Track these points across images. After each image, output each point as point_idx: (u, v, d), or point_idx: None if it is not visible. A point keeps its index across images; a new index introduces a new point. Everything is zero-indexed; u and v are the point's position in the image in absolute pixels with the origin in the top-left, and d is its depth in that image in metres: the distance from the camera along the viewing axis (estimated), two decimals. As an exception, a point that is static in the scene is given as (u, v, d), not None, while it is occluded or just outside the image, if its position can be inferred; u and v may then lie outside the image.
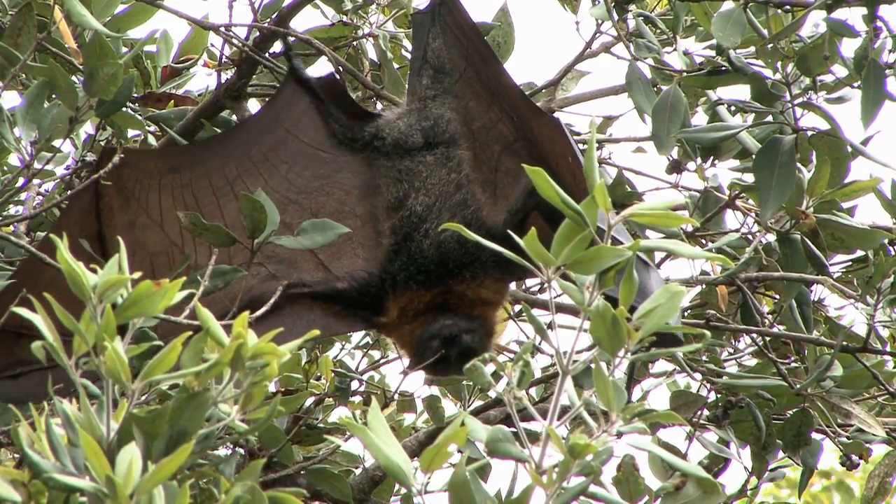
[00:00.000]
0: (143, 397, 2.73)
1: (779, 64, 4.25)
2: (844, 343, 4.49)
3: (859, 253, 4.58)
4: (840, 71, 4.24)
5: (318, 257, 4.29)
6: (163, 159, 4.28)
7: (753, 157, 4.32)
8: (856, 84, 4.18)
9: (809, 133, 4.34)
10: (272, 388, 4.83)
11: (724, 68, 4.29)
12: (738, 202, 4.56)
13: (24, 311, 2.63)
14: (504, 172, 4.26)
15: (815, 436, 4.80)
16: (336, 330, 4.46)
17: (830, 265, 4.56)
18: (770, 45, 4.18)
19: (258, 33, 4.58)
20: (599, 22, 4.61)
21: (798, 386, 4.60)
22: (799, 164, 4.34)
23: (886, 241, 4.54)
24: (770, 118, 4.31)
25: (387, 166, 4.28)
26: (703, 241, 4.66)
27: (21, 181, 4.39)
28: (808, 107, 4.27)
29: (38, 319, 2.58)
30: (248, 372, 2.61)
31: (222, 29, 4.62)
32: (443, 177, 4.27)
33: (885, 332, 4.61)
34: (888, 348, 4.59)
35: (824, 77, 4.29)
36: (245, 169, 4.26)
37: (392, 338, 4.56)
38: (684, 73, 4.37)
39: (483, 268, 4.23)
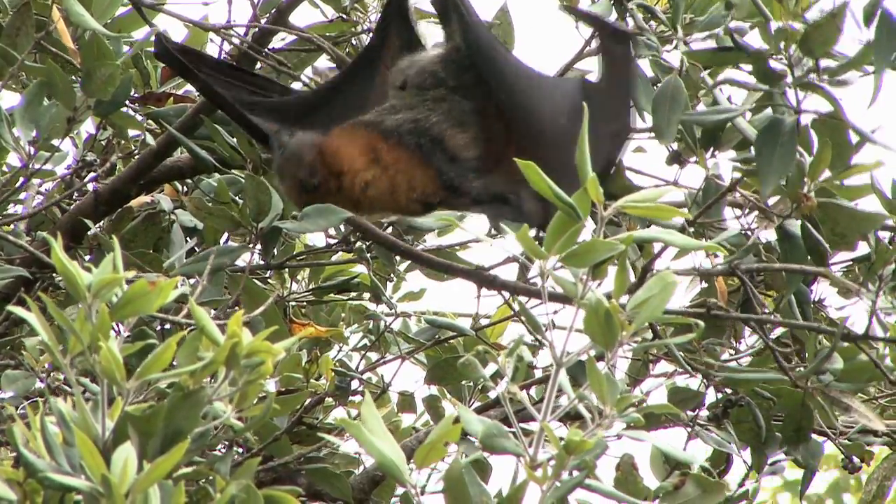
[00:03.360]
0: (143, 396, 2.73)
1: (782, 45, 4.25)
2: (845, 331, 4.47)
3: (859, 252, 4.57)
4: (846, 48, 4.26)
5: None
6: None
7: (754, 140, 4.31)
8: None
9: (812, 116, 4.34)
10: (272, 387, 4.83)
11: (727, 46, 4.30)
12: (739, 188, 4.55)
13: (19, 310, 2.63)
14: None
15: (818, 438, 4.79)
16: None
17: (832, 265, 4.55)
18: (774, 26, 4.20)
19: (256, 29, 4.58)
20: (599, 19, 4.60)
21: (797, 376, 4.58)
22: (800, 149, 4.33)
23: (887, 236, 4.52)
24: (772, 99, 4.31)
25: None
26: (703, 233, 4.65)
27: (20, 180, 4.40)
28: (810, 87, 4.27)
29: (33, 318, 2.57)
30: (243, 370, 2.61)
31: (221, 30, 4.63)
32: (422, 110, 4.27)
33: (887, 321, 4.58)
34: (888, 335, 4.56)
35: (828, 63, 4.29)
36: None
37: None
38: (688, 48, 4.37)
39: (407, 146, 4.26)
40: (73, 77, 4.49)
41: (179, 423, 2.61)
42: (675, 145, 4.54)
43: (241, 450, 4.77)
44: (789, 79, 4.27)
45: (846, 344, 4.51)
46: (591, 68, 4.99)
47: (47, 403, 2.70)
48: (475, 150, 4.22)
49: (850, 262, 4.66)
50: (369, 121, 4.25)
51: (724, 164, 4.57)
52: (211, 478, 2.72)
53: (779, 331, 4.76)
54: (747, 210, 4.53)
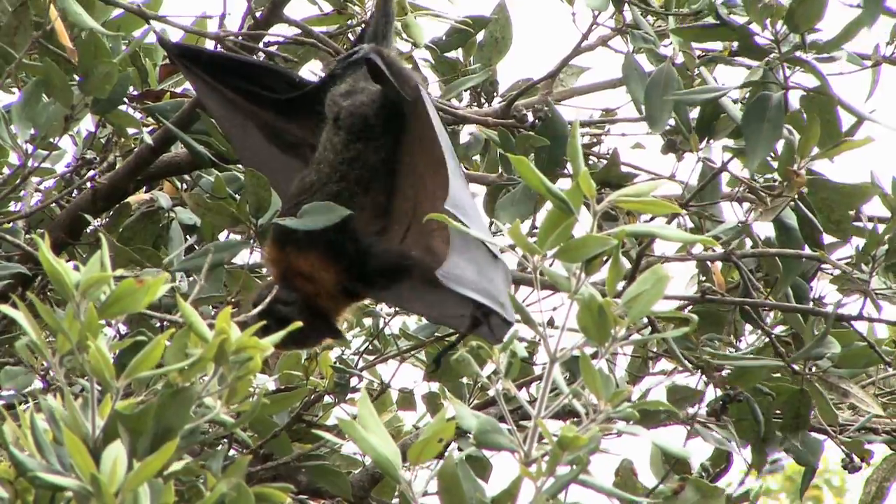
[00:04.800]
0: (143, 395, 2.72)
1: (768, 21, 4.25)
2: (839, 311, 4.47)
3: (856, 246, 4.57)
4: (828, 30, 4.27)
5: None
6: None
7: (742, 116, 4.31)
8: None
9: (800, 93, 4.35)
10: (272, 385, 4.83)
11: (714, 23, 4.30)
12: (731, 172, 4.54)
13: (8, 310, 2.63)
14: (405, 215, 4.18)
15: (818, 436, 4.78)
16: None
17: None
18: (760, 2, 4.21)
19: (252, 21, 4.59)
20: (596, 13, 4.59)
21: (794, 360, 4.57)
22: (790, 127, 4.34)
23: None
24: (759, 73, 4.31)
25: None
26: (700, 224, 4.65)
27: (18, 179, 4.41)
28: (796, 62, 4.26)
29: (21, 317, 2.57)
30: (232, 366, 2.60)
31: (218, 29, 4.64)
32: (332, 185, 4.17)
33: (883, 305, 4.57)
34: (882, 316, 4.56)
35: (814, 38, 4.29)
36: None
37: None
38: (676, 24, 4.38)
39: (314, 245, 4.14)
40: (72, 76, 4.50)
41: (169, 420, 2.60)
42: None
43: (242, 449, 4.76)
44: (776, 54, 4.28)
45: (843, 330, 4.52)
46: (590, 65, 5.01)
47: (38, 402, 2.70)
48: (379, 221, 4.16)
49: (850, 258, 4.66)
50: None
51: (718, 152, 4.58)
52: (202, 475, 2.71)
53: (779, 329, 4.76)
54: (738, 193, 4.54)
